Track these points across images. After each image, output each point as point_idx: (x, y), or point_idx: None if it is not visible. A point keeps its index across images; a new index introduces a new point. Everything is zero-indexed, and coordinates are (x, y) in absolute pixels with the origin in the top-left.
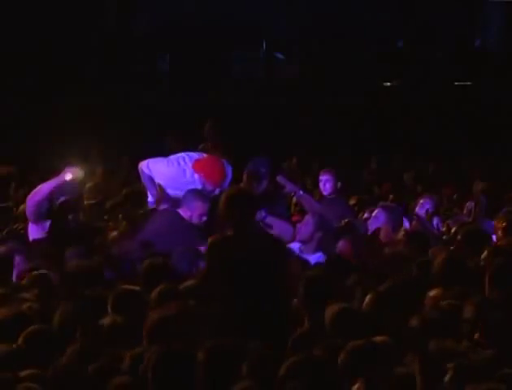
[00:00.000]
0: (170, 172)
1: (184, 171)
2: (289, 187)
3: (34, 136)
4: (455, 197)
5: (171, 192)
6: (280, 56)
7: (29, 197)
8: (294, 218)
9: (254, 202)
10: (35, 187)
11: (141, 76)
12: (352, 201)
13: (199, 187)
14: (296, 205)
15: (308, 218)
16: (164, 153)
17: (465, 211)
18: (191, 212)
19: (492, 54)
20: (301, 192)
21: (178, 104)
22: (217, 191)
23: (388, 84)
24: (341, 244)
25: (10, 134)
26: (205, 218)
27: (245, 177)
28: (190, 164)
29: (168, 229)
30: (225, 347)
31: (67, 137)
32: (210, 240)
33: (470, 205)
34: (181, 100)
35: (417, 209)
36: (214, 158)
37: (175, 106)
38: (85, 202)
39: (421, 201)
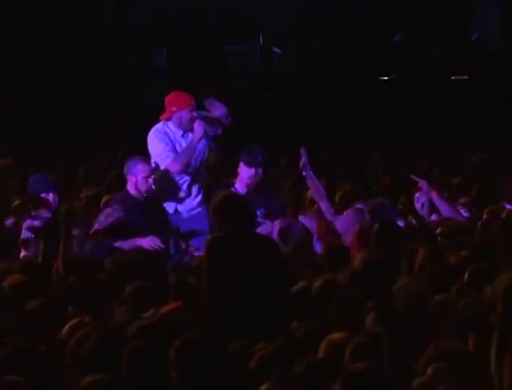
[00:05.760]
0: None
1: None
2: (303, 160)
3: (32, 129)
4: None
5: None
6: (278, 50)
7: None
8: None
9: (247, 206)
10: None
11: (139, 72)
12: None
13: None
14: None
15: (276, 222)
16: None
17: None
18: (135, 177)
19: (492, 50)
20: (310, 172)
21: None
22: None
23: (386, 78)
24: None
25: (7, 127)
26: (151, 180)
27: (241, 165)
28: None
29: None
30: (196, 343)
31: (65, 130)
32: (208, 238)
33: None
34: None
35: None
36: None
37: None
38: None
39: (416, 194)
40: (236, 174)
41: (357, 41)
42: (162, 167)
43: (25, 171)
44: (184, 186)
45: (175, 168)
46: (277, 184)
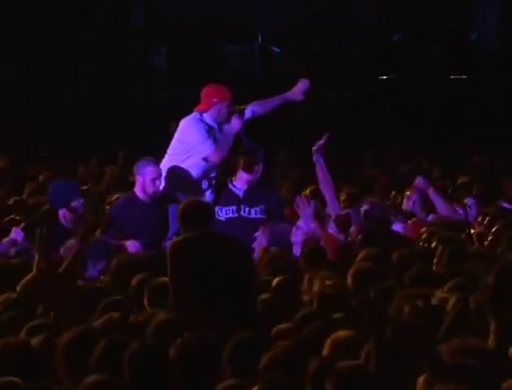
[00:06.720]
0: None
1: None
2: (319, 143)
3: (32, 129)
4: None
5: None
6: (277, 50)
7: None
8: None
9: (209, 213)
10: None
11: (139, 71)
12: (342, 197)
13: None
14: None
15: (260, 232)
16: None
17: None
18: (143, 178)
19: (491, 50)
20: (321, 159)
21: (174, 98)
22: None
23: (385, 77)
24: None
25: (6, 127)
26: (159, 183)
27: (241, 162)
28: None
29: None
30: (198, 343)
31: (65, 130)
32: (170, 242)
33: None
34: (177, 95)
35: (404, 201)
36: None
37: (171, 100)
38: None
39: (407, 193)
40: (234, 172)
41: (356, 41)
42: (201, 155)
43: (25, 171)
44: (207, 179)
45: (215, 158)
46: (277, 183)
